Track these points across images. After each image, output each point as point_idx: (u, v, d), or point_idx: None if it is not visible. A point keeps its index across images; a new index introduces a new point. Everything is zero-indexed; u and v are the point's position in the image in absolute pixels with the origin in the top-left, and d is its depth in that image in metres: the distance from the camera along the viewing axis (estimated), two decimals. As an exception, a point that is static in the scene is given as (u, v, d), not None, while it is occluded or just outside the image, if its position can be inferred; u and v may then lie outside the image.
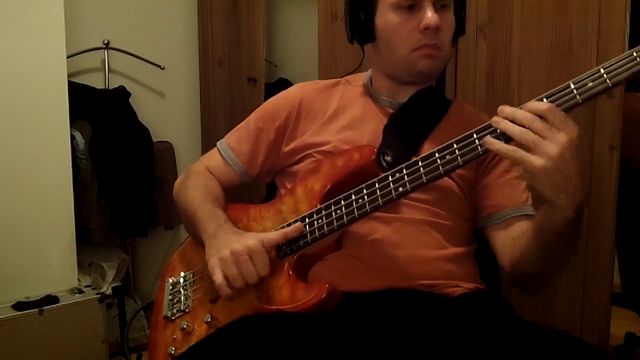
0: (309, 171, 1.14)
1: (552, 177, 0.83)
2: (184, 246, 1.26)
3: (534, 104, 0.85)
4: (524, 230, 1.08)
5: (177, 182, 1.29)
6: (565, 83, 0.85)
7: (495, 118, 0.87)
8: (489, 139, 0.87)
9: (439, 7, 1.10)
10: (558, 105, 0.84)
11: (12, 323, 1.95)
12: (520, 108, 0.86)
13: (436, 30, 1.09)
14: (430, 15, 1.08)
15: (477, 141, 0.90)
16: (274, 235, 1.03)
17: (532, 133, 0.83)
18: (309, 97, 1.24)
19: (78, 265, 2.20)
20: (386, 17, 1.12)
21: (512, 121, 0.85)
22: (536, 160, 0.83)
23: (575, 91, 0.84)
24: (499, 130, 0.87)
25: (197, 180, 1.25)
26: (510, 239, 1.10)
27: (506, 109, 0.86)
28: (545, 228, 0.93)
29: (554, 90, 0.86)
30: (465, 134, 0.92)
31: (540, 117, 0.83)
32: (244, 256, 0.99)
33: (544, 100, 0.85)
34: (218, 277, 1.00)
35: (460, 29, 1.17)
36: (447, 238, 1.13)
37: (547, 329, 0.99)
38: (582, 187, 0.87)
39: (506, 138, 0.86)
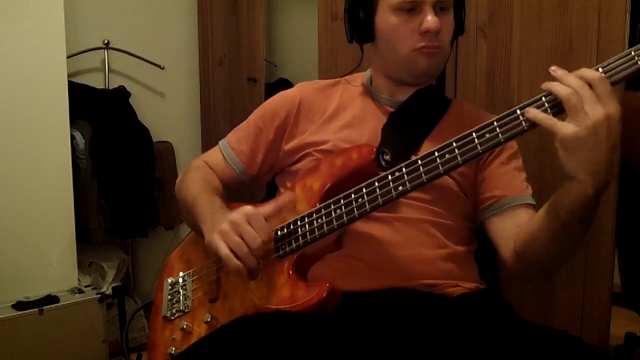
0: (308, 170, 1.14)
1: (582, 149, 0.81)
2: (183, 245, 1.26)
3: (586, 71, 0.83)
4: (529, 217, 1.07)
5: (178, 179, 1.30)
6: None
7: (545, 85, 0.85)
8: (529, 108, 0.85)
9: (438, 9, 1.10)
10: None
11: (12, 323, 1.95)
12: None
13: (436, 33, 1.09)
14: (430, 18, 1.08)
15: (476, 140, 0.90)
16: (267, 206, 1.04)
17: (576, 98, 0.81)
18: (308, 96, 1.24)
19: (78, 265, 2.20)
20: (386, 18, 1.12)
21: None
22: (569, 128, 0.81)
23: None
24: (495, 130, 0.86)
25: (197, 173, 1.25)
26: (514, 227, 1.08)
27: (559, 70, 0.84)
28: (561, 204, 0.90)
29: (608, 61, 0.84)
30: (464, 133, 0.91)
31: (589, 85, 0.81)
32: (243, 222, 0.99)
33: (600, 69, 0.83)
34: (223, 249, 1.00)
35: (459, 29, 1.17)
36: (447, 237, 1.13)
37: (547, 329, 0.99)
38: (610, 170, 0.84)
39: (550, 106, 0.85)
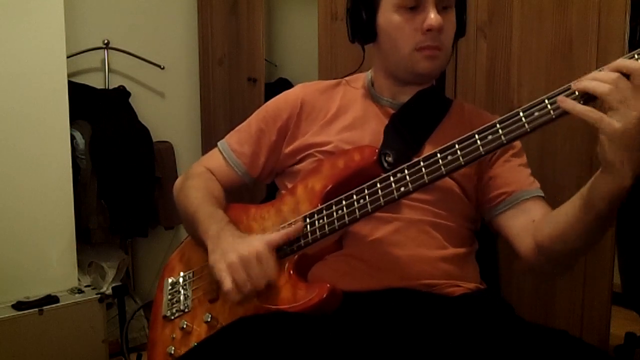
0: (309, 171, 1.14)
1: (626, 143, 0.80)
2: (183, 246, 1.26)
3: (626, 61, 0.81)
4: (542, 209, 1.07)
5: (177, 183, 1.29)
6: (567, 85, 0.85)
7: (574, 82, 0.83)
8: (563, 98, 0.83)
9: (440, 8, 1.10)
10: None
11: (12, 323, 1.95)
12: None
13: (438, 32, 1.09)
14: (433, 16, 1.07)
15: (478, 141, 0.90)
16: (276, 236, 1.03)
17: (616, 92, 0.80)
18: (310, 97, 1.23)
19: (78, 265, 2.20)
20: (389, 16, 1.12)
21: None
22: (617, 123, 0.79)
23: (577, 92, 0.84)
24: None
25: (198, 181, 1.24)
26: (529, 221, 1.08)
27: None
28: (598, 196, 0.89)
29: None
30: (467, 135, 0.91)
31: (627, 76, 0.80)
32: (253, 261, 0.98)
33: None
34: (227, 283, 0.99)
35: (460, 31, 1.17)
36: (448, 238, 1.13)
37: (547, 329, 0.99)
38: None
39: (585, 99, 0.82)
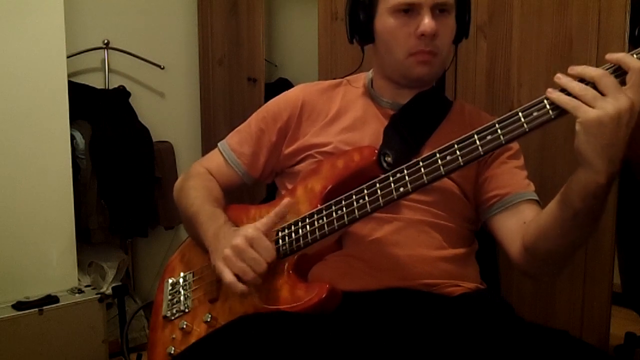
0: (309, 172, 1.14)
1: (602, 135, 0.81)
2: (183, 247, 1.26)
3: (626, 57, 0.82)
4: (535, 212, 1.07)
5: (177, 183, 1.29)
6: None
7: (558, 74, 0.85)
8: (552, 89, 0.84)
9: (437, 12, 1.09)
10: None
11: (12, 323, 1.95)
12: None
13: (432, 37, 1.08)
14: (427, 21, 1.06)
15: (477, 142, 0.90)
16: (266, 218, 1.02)
17: (593, 90, 0.81)
18: (310, 98, 1.23)
19: (78, 265, 2.20)
20: (384, 20, 1.11)
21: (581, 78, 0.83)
22: (592, 112, 0.80)
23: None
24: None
25: (198, 181, 1.24)
26: (520, 223, 1.08)
27: (576, 68, 0.84)
28: (574, 192, 0.89)
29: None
30: (466, 135, 0.91)
31: (619, 72, 0.82)
32: (245, 247, 0.98)
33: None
34: (227, 276, 0.99)
35: (463, 32, 1.16)
36: (447, 239, 1.13)
37: (547, 329, 0.99)
38: (621, 159, 0.84)
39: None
